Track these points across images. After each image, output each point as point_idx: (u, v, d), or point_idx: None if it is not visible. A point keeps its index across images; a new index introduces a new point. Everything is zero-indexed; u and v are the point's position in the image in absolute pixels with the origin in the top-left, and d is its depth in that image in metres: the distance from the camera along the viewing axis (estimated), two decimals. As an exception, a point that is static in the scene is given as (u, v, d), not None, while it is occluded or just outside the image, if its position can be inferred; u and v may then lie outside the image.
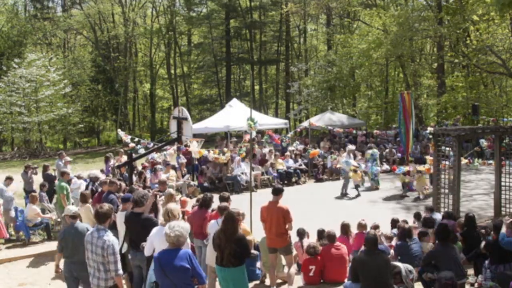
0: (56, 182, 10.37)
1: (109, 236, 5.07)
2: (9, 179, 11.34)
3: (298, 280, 7.34)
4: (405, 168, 13.36)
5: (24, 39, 33.32)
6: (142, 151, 14.27)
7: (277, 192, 6.95)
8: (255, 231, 8.44)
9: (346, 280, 6.76)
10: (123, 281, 5.76)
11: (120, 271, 5.07)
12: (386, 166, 15.42)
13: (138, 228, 5.96)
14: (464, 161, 13.94)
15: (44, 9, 37.49)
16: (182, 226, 4.50)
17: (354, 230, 8.20)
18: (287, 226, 6.84)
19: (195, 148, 14.34)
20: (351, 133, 20.92)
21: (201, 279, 4.57)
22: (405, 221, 8.39)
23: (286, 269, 7.19)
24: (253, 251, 8.18)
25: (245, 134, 16.09)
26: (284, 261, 7.27)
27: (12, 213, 10.55)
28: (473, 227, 7.47)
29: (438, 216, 8.75)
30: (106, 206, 5.37)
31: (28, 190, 12.04)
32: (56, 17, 37.61)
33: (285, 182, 15.95)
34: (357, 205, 12.98)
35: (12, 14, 35.25)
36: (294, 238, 7.59)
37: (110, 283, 5.10)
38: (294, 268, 7.10)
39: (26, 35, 33.62)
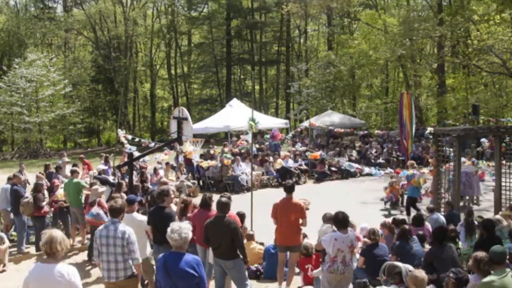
0: (65, 181, 10.34)
1: (125, 227, 5.20)
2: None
3: (299, 280, 7.34)
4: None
5: (26, 39, 33.34)
6: (136, 154, 14.12)
7: (291, 189, 6.89)
8: (255, 231, 8.45)
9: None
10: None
11: (140, 260, 5.25)
12: (389, 170, 15.06)
13: (161, 221, 6.14)
14: (467, 162, 13.85)
15: (45, 8, 37.50)
16: (187, 227, 4.42)
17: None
18: (301, 222, 6.76)
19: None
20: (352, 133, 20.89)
21: None
22: (404, 221, 8.39)
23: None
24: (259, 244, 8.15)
25: (242, 135, 16.06)
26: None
27: (11, 215, 10.51)
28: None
29: (439, 216, 8.70)
30: (119, 201, 5.49)
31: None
32: (57, 17, 37.64)
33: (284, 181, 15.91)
34: (356, 205, 12.93)
35: (13, 14, 35.26)
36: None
37: (129, 273, 5.17)
38: (294, 268, 7.08)
39: (28, 35, 33.64)
